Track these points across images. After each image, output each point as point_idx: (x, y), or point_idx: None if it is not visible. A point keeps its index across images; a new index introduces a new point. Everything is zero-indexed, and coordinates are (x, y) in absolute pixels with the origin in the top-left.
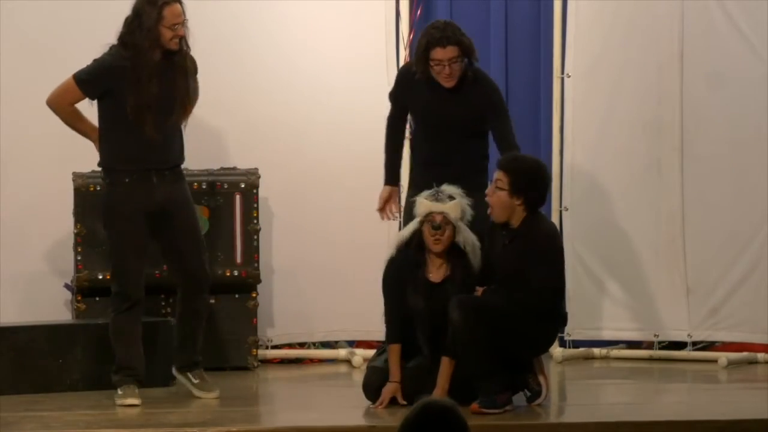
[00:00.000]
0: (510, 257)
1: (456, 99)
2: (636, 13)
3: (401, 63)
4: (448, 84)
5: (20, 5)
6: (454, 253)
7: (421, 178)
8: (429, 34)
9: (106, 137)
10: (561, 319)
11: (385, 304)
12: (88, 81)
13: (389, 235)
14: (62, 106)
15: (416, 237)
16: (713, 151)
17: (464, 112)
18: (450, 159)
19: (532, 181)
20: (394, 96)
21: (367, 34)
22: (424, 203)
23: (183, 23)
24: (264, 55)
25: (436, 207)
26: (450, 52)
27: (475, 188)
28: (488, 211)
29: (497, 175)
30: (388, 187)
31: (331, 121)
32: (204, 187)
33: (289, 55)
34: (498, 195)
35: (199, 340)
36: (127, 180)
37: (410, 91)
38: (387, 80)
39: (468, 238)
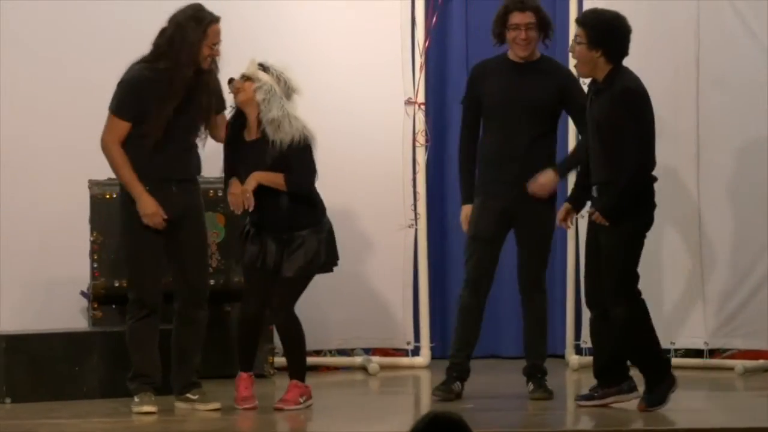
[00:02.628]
0: (594, 112)
1: (531, 80)
2: (652, 19)
3: (417, 70)
4: (522, 52)
5: (38, 18)
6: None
7: (485, 178)
8: (509, 1)
9: (126, 147)
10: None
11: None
12: (127, 108)
13: (405, 242)
14: (111, 146)
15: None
16: (729, 158)
17: (540, 94)
18: (517, 153)
19: (609, 32)
20: (467, 99)
21: (383, 41)
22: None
23: (219, 43)
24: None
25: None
26: (528, 17)
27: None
28: (574, 66)
29: (576, 31)
30: (467, 207)
31: (347, 129)
32: (220, 194)
33: (304, 62)
34: (578, 49)
35: (196, 358)
36: (147, 188)
37: (485, 82)
38: (402, 87)
39: (270, 103)
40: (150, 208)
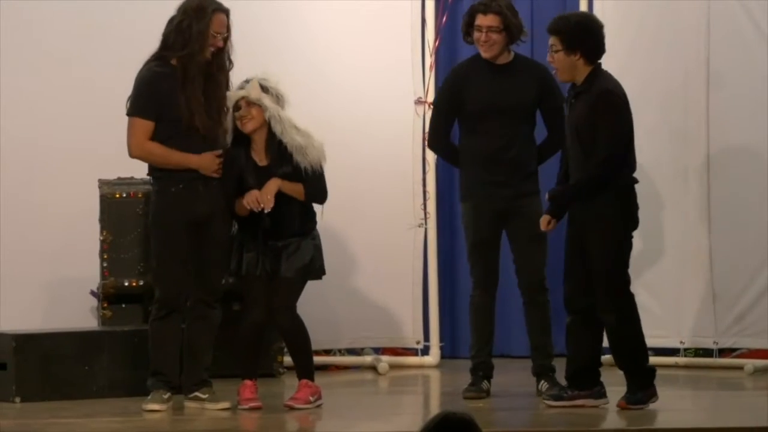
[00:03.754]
0: (574, 115)
1: (510, 82)
2: (662, 21)
3: (427, 70)
4: (485, 53)
5: (46, 19)
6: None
7: (473, 180)
8: (476, 2)
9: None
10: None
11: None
12: (145, 107)
13: (414, 241)
14: (143, 146)
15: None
16: (739, 159)
17: (521, 95)
18: (505, 155)
19: (583, 33)
20: (445, 103)
21: (393, 41)
22: (229, 96)
23: (223, 36)
24: (289, 64)
25: (236, 94)
26: (490, 20)
27: (528, 193)
28: (554, 73)
29: (550, 41)
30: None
31: (357, 128)
32: None
33: (315, 62)
34: (556, 57)
35: (207, 357)
36: (173, 189)
37: (466, 86)
38: (413, 87)
39: (288, 130)
40: (206, 161)
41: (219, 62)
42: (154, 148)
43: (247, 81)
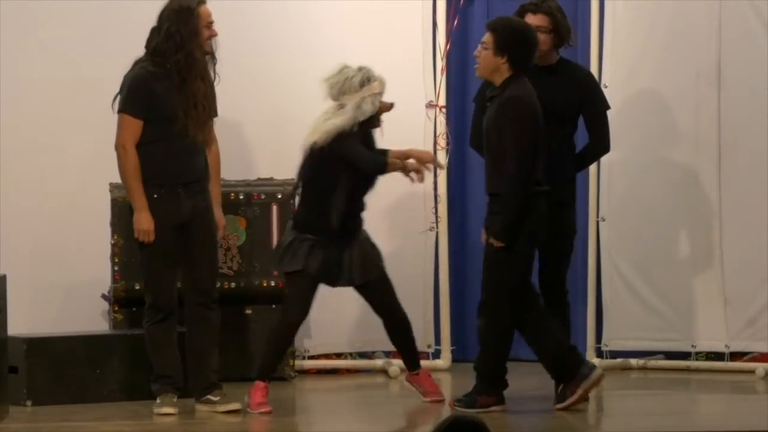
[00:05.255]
0: (486, 119)
1: (551, 84)
2: (673, 22)
3: (438, 73)
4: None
5: (58, 20)
6: None
7: None
8: (527, 1)
9: (138, 152)
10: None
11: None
12: (135, 104)
13: (426, 245)
14: (129, 148)
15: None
16: (751, 162)
17: (561, 98)
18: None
19: (516, 40)
20: (480, 99)
21: (404, 45)
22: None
23: (212, 23)
24: (300, 68)
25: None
26: (540, 20)
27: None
28: (475, 66)
29: (484, 36)
30: None
31: None
32: (241, 197)
33: (326, 65)
34: (484, 54)
35: (212, 359)
36: (155, 196)
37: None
38: (424, 90)
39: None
40: (145, 225)
41: (205, 64)
42: (128, 160)
43: (360, 68)
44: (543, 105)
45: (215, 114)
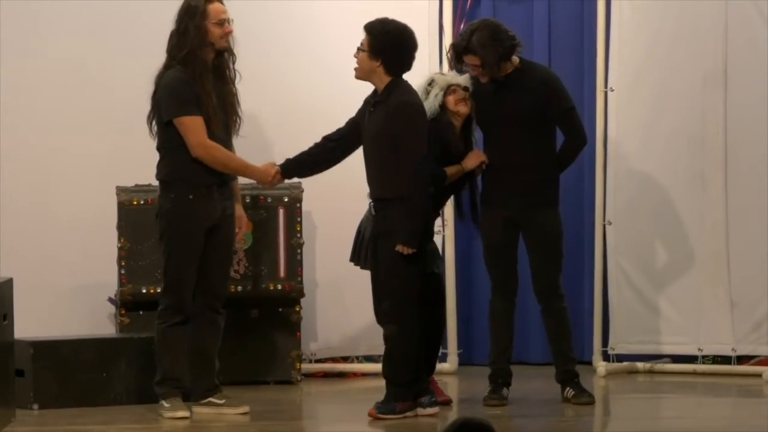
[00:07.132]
0: (371, 124)
1: (513, 93)
2: (679, 25)
3: None
4: (483, 80)
5: (65, 24)
6: None
7: (488, 188)
8: (457, 38)
9: (169, 152)
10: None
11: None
12: (187, 103)
13: None
14: (205, 146)
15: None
16: (757, 165)
17: (523, 104)
18: (513, 164)
19: (391, 44)
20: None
21: None
22: (442, 78)
23: (229, 21)
24: (307, 70)
25: (454, 79)
26: (470, 59)
27: (541, 202)
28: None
29: (363, 38)
30: None
31: None
32: (248, 201)
33: (331, 67)
34: (360, 56)
35: (215, 362)
36: (191, 196)
37: (476, 98)
38: None
39: None
40: (262, 172)
41: (227, 61)
42: (215, 151)
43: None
44: (503, 115)
45: (235, 113)
